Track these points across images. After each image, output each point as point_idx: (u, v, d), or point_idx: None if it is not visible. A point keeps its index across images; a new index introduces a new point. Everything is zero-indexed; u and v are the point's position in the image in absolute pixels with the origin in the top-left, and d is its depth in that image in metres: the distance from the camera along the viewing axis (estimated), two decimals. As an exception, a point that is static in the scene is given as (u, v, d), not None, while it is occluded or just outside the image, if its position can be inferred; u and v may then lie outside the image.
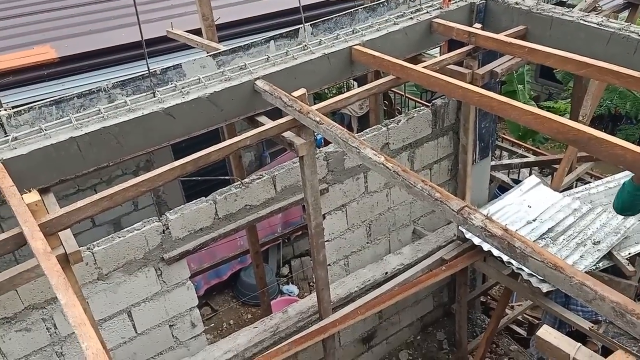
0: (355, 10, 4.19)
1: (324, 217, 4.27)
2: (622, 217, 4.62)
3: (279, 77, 3.60)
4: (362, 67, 4.02)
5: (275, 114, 3.50)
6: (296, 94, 3.31)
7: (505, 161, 6.35)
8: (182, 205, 3.54)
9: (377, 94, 6.46)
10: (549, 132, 2.98)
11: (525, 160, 6.16)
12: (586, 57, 3.53)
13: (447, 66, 4.08)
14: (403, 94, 9.25)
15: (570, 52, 3.66)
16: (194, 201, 3.56)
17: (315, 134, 3.29)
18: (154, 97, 3.21)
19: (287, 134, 3.37)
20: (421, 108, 4.83)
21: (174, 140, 3.25)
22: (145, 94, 3.23)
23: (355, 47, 3.85)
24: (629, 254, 4.30)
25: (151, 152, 3.28)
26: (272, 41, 3.83)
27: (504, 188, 6.09)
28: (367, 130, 4.44)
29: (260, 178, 3.84)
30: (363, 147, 2.80)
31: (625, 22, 4.88)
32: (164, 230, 3.41)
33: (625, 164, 2.58)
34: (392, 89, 8.66)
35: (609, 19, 4.29)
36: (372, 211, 4.70)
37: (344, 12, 4.16)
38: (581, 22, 3.97)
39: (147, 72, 3.17)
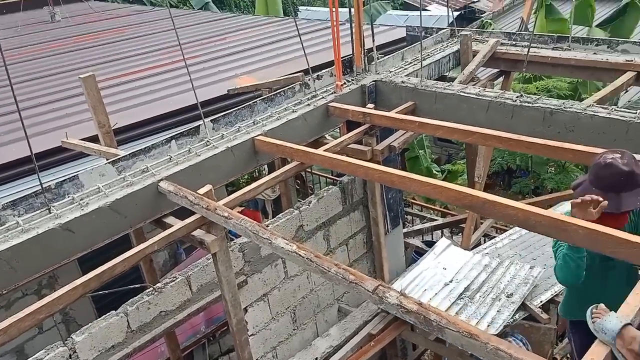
0: (254, 102, 4.32)
1: (246, 311, 4.14)
2: (529, 267, 4.89)
3: (183, 176, 3.57)
4: (266, 156, 4.10)
5: (184, 211, 3.44)
6: (202, 191, 3.28)
7: (417, 227, 6.60)
8: (90, 324, 3.29)
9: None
10: (447, 200, 3.15)
11: (434, 223, 6.44)
12: (470, 125, 3.85)
13: (348, 146, 4.26)
14: (312, 172, 9.46)
15: (456, 122, 3.97)
16: (103, 317, 3.33)
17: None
18: (50, 213, 3.05)
19: (197, 232, 3.31)
20: (330, 187, 4.96)
21: (75, 256, 3.07)
22: (39, 211, 3.06)
23: (257, 137, 3.93)
24: (541, 302, 4.52)
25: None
26: (173, 140, 3.83)
27: (420, 252, 6.27)
28: (280, 215, 4.45)
29: (174, 280, 3.68)
30: (274, 237, 2.80)
31: (500, 89, 5.42)
32: (70, 355, 3.13)
33: (517, 222, 2.76)
34: (302, 169, 8.82)
35: (486, 88, 4.75)
36: (294, 296, 4.63)
37: (243, 105, 4.27)
38: (461, 94, 4.35)
39: (40, 188, 3.02)
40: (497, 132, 3.62)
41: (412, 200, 8.73)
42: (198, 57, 8.18)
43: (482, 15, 18.09)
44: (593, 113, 3.71)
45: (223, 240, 3.31)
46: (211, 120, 4.03)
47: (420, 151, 10.66)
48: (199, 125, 3.95)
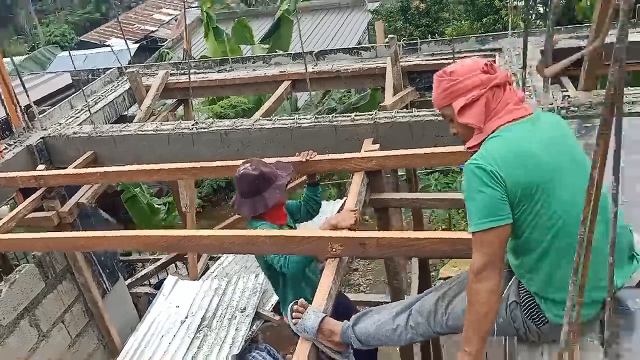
0: None
1: None
2: (254, 275, 5.13)
3: None
4: None
5: None
6: None
7: (142, 272, 6.30)
8: None
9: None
10: (145, 247, 3.07)
11: (154, 265, 6.23)
12: (156, 161, 3.81)
13: (27, 216, 3.77)
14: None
15: (141, 162, 3.89)
16: None
17: None
18: None
19: None
20: (23, 265, 4.33)
21: None
22: None
23: None
24: (272, 305, 4.78)
25: None
26: None
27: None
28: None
29: None
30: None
31: (182, 117, 5.52)
32: None
33: (215, 249, 2.86)
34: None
35: (168, 120, 4.77)
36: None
37: None
38: (139, 132, 4.27)
39: None
40: (182, 164, 3.65)
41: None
42: None
43: (164, 44, 18.18)
44: (261, 126, 4.06)
45: None
46: None
47: (136, 189, 10.23)
48: None
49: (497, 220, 1.64)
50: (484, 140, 1.76)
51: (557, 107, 3.17)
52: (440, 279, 7.36)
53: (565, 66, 1.12)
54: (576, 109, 3.10)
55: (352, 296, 6.07)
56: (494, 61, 1.97)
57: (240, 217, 5.62)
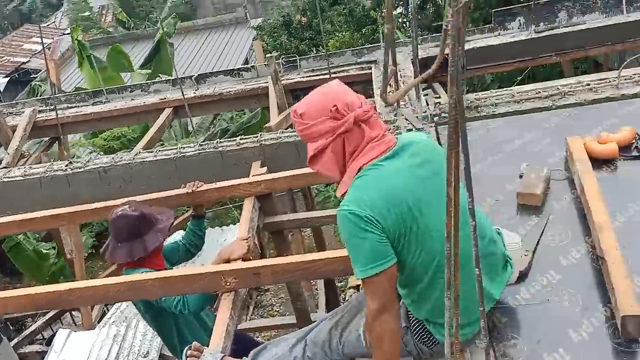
0: None
1: None
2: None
3: None
4: None
5: None
6: None
7: (28, 331, 5.73)
8: None
9: None
10: (25, 309, 2.77)
11: (45, 318, 5.71)
12: (30, 209, 3.51)
13: None
14: None
15: (15, 211, 3.57)
16: None
17: None
18: None
19: None
20: None
21: None
22: None
23: None
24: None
25: None
26: None
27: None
28: None
29: None
30: None
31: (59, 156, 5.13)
32: None
33: (103, 299, 2.64)
34: None
35: (34, 164, 4.39)
36: None
37: None
38: (5, 180, 3.90)
39: None
40: (57, 210, 3.35)
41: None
42: None
43: (37, 75, 16.95)
44: (142, 159, 3.86)
45: None
46: None
47: (19, 236, 9.38)
48: None
49: (383, 263, 1.61)
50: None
51: (430, 114, 3.30)
52: (350, 287, 7.44)
53: (406, 93, 1.13)
54: (447, 115, 3.24)
55: (264, 321, 5.96)
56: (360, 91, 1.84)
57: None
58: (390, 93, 3.32)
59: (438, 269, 1.66)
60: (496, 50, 4.42)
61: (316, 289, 6.88)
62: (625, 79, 3.21)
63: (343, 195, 1.70)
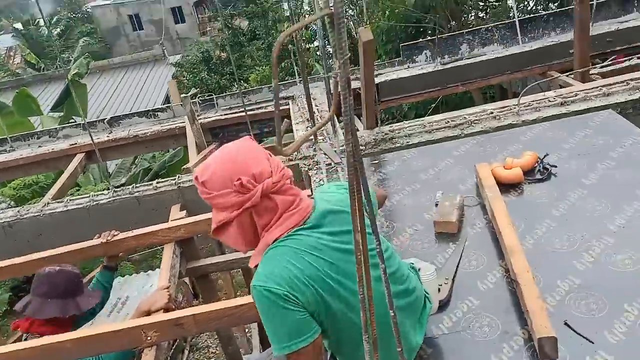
0: None
1: None
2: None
3: None
4: None
5: None
6: None
7: None
8: None
9: None
10: None
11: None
12: None
13: None
14: None
15: None
16: None
17: None
18: None
19: None
20: None
21: None
22: None
23: None
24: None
25: None
26: None
27: None
28: None
29: None
30: None
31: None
32: None
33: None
34: None
35: None
36: None
37: None
38: None
39: None
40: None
41: None
42: None
43: None
44: (52, 211, 3.64)
45: None
46: None
47: None
48: None
49: (308, 337, 1.51)
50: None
51: (348, 148, 3.36)
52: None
53: (301, 145, 1.13)
54: (363, 147, 3.32)
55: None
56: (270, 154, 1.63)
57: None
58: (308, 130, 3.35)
59: (362, 337, 1.59)
60: (407, 82, 4.60)
61: (250, 328, 6.71)
62: (525, 106, 3.41)
63: (256, 266, 1.58)
